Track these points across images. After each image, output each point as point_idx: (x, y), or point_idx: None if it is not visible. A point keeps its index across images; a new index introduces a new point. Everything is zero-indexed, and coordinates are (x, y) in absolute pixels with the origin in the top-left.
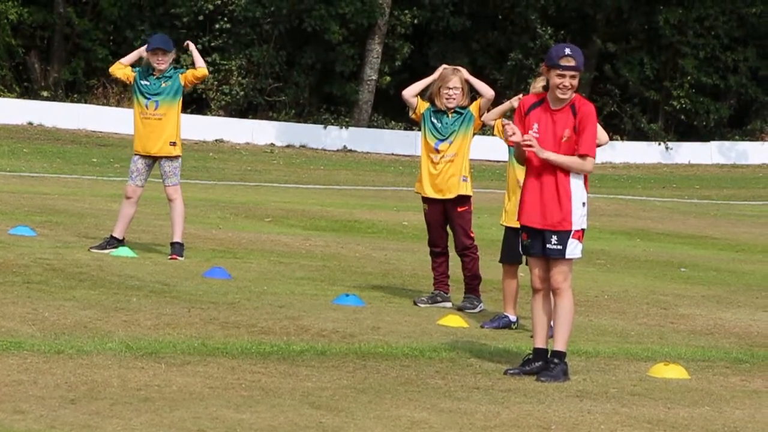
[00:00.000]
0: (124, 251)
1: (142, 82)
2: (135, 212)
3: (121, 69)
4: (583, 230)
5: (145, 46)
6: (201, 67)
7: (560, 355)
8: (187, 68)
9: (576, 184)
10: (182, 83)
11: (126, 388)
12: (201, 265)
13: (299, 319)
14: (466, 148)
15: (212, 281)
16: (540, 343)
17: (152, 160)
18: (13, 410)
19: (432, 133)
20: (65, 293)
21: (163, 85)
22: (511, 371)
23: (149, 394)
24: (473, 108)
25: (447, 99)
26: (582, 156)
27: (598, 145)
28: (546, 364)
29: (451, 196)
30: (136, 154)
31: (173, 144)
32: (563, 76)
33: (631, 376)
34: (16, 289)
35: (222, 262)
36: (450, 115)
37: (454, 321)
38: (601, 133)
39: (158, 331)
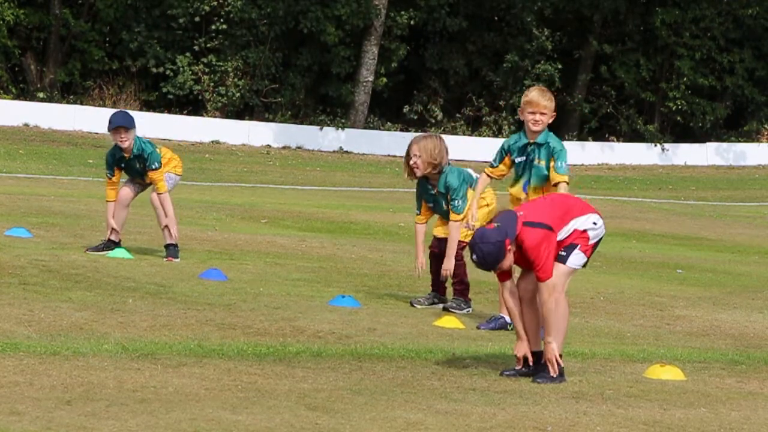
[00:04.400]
0: (120, 253)
1: (115, 157)
2: (127, 215)
3: (112, 189)
4: (590, 243)
5: (108, 126)
6: (162, 194)
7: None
8: (152, 162)
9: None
10: (155, 168)
11: (122, 390)
12: (197, 267)
13: (295, 321)
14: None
15: (208, 282)
16: (534, 346)
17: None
18: (9, 411)
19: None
20: (61, 294)
21: (138, 166)
22: (507, 372)
23: (145, 395)
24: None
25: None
26: (540, 280)
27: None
28: (542, 365)
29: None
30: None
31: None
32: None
33: (627, 377)
34: (12, 291)
35: (218, 263)
36: (434, 189)
37: (450, 322)
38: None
39: (154, 333)
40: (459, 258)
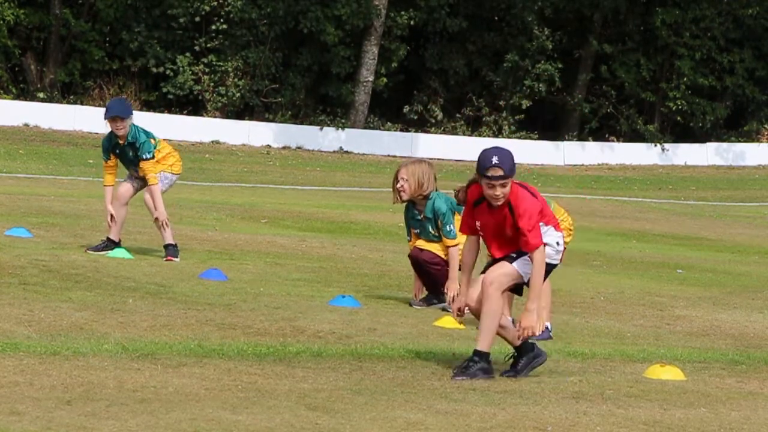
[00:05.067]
0: (120, 252)
1: (109, 143)
2: (126, 213)
3: (110, 174)
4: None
5: (104, 114)
6: (152, 185)
7: (483, 355)
8: (144, 151)
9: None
10: (151, 155)
11: (122, 390)
12: (197, 267)
13: (295, 321)
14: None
15: (208, 282)
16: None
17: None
18: (10, 411)
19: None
20: (61, 294)
21: (131, 154)
22: (507, 374)
23: (145, 395)
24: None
25: (400, 191)
26: (531, 251)
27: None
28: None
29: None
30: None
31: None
32: (492, 186)
33: (627, 377)
34: (12, 291)
35: (218, 263)
36: (421, 215)
37: (450, 322)
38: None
39: (154, 333)
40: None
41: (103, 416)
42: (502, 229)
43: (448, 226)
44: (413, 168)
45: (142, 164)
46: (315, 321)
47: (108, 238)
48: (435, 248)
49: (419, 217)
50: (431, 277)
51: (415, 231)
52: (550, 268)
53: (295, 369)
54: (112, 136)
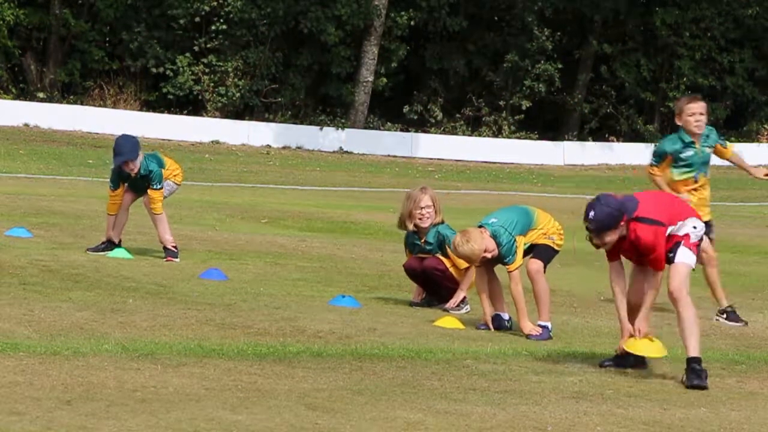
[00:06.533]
0: (120, 253)
1: (126, 183)
2: (127, 218)
3: (114, 203)
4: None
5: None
6: (157, 215)
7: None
8: (155, 182)
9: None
10: (158, 186)
11: (122, 390)
12: (197, 267)
13: (295, 321)
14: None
15: (208, 282)
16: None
17: None
18: (9, 411)
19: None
20: (61, 295)
21: (142, 184)
22: (607, 363)
23: (145, 395)
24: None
25: (420, 219)
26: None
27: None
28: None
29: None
30: None
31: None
32: (590, 237)
33: (627, 377)
34: (12, 291)
35: (218, 263)
36: (421, 240)
37: (450, 322)
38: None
39: (154, 333)
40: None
41: (103, 416)
42: (636, 253)
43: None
44: (433, 196)
45: (152, 193)
46: (315, 321)
47: (108, 239)
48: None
49: (419, 243)
50: (434, 282)
51: (417, 255)
52: (701, 241)
53: (295, 369)
54: (123, 170)
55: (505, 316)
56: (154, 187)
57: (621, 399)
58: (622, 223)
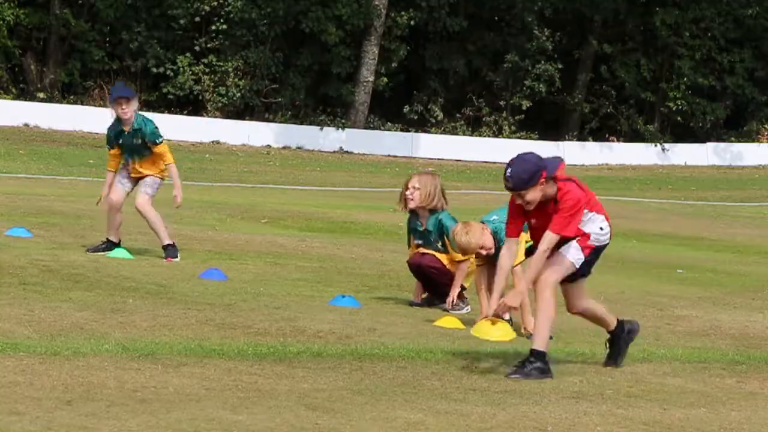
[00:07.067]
0: (120, 253)
1: (114, 130)
2: (122, 218)
3: (114, 160)
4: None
5: (109, 98)
6: (170, 164)
7: (539, 355)
8: (155, 136)
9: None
10: (149, 145)
11: (122, 390)
12: (197, 267)
13: (295, 321)
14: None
15: (208, 282)
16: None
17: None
18: (10, 412)
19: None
20: (61, 295)
21: (135, 141)
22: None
23: (145, 395)
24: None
25: (409, 200)
26: (550, 232)
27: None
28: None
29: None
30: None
31: (160, 171)
32: (514, 197)
33: (627, 377)
34: (12, 291)
35: (218, 263)
36: (422, 227)
37: (450, 322)
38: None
39: (154, 333)
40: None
41: (103, 416)
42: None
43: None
44: (426, 179)
45: (157, 149)
46: (315, 321)
47: (108, 239)
48: (438, 255)
49: (420, 229)
50: (432, 280)
51: (417, 242)
52: (600, 249)
53: (295, 369)
54: (116, 124)
55: (506, 317)
56: (157, 141)
57: (621, 399)
58: (542, 180)
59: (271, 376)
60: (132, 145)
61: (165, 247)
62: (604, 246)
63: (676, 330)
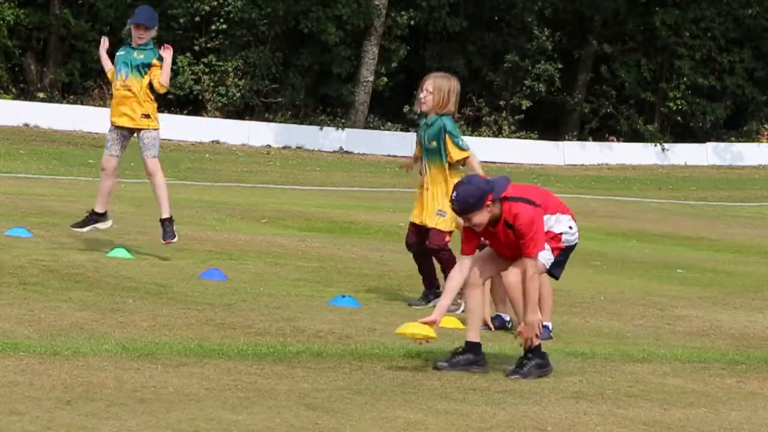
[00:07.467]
0: (120, 252)
1: (119, 53)
2: (114, 184)
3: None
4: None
5: (130, 19)
6: (162, 85)
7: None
8: (158, 62)
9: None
10: (149, 71)
11: (122, 390)
12: (197, 267)
13: (295, 321)
14: (441, 178)
15: (208, 282)
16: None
17: (128, 131)
18: (9, 411)
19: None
20: (61, 294)
21: (135, 55)
22: (440, 364)
23: (145, 395)
24: (449, 141)
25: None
26: (526, 259)
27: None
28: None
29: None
30: (112, 125)
31: (147, 116)
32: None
33: (627, 377)
34: (12, 291)
35: (218, 263)
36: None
37: (450, 322)
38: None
39: (154, 333)
40: (446, 249)
41: (103, 416)
42: (509, 241)
43: (457, 139)
44: (440, 82)
45: (156, 69)
46: (315, 321)
47: (93, 211)
48: (442, 223)
49: (422, 123)
50: (440, 264)
51: (421, 144)
52: (569, 249)
53: (295, 369)
54: (127, 38)
55: (506, 317)
56: (159, 63)
57: (621, 399)
58: (488, 203)
59: (270, 375)
60: (130, 59)
61: (163, 222)
62: (574, 246)
63: (676, 330)
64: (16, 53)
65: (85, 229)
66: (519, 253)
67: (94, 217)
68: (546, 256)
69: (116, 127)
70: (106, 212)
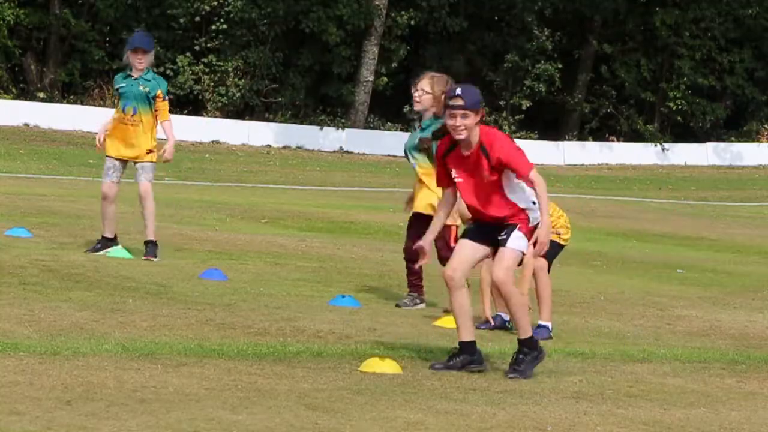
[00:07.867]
0: (120, 252)
1: (121, 85)
2: (116, 209)
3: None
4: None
5: (126, 46)
6: (165, 121)
7: (526, 343)
8: (166, 93)
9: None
10: (155, 103)
11: (122, 390)
12: (197, 267)
13: (295, 321)
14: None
15: (208, 282)
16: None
17: (130, 159)
18: (9, 411)
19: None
20: (61, 294)
21: (141, 88)
22: (437, 366)
23: (145, 395)
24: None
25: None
26: (527, 178)
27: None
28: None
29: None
30: (109, 156)
31: (150, 152)
32: (453, 116)
33: (627, 377)
34: (12, 291)
35: (218, 263)
36: (418, 124)
37: (450, 322)
38: None
39: (154, 333)
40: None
41: (103, 416)
42: (480, 176)
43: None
44: (437, 83)
45: (162, 104)
46: (315, 321)
47: (103, 237)
48: (433, 198)
49: (416, 127)
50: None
51: (407, 154)
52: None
53: (295, 369)
54: (126, 72)
55: (506, 317)
56: (165, 98)
57: (621, 399)
58: (483, 113)
59: (270, 375)
60: (135, 93)
61: (147, 243)
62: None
63: (676, 330)
64: (16, 53)
65: (98, 254)
66: (490, 205)
67: (106, 243)
68: (520, 244)
69: (116, 158)
70: (115, 236)
